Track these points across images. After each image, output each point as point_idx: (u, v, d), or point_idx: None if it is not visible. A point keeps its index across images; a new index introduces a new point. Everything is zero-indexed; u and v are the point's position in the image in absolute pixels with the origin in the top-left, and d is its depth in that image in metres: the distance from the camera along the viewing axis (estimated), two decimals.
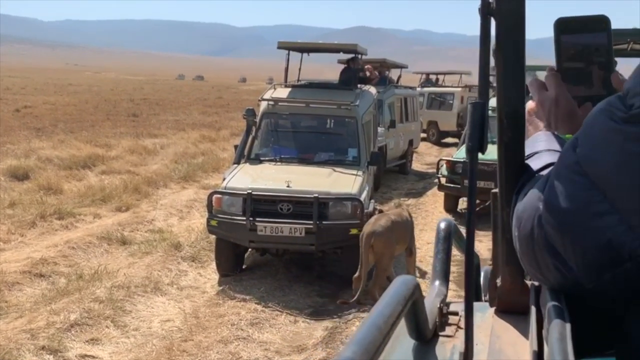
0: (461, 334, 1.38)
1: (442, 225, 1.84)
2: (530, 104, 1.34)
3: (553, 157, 1.16)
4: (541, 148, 1.26)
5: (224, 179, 8.69)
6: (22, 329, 6.41)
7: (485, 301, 1.63)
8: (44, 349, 6.02)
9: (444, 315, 1.44)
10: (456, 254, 2.17)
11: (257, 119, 9.73)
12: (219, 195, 8.09)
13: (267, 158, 9.44)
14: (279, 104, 9.96)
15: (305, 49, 12.93)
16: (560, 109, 1.27)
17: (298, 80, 12.37)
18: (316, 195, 7.78)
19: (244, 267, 8.70)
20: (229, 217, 7.93)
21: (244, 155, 9.38)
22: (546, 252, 1.02)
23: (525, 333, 1.30)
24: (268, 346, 6.46)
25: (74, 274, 8.14)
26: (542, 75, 1.31)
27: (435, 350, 1.34)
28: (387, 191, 14.60)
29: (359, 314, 7.30)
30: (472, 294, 1.12)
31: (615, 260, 0.92)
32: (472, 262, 1.13)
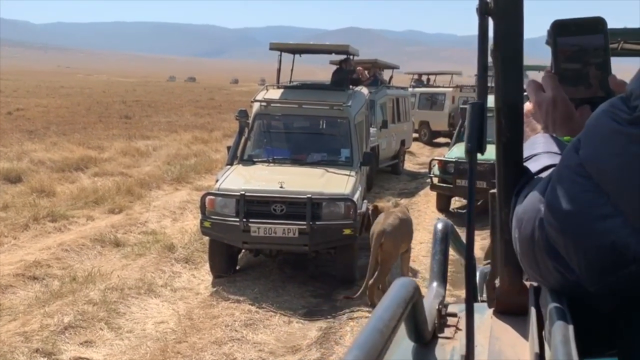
0: (460, 335, 1.38)
1: (439, 226, 1.83)
2: (527, 106, 1.33)
3: (552, 160, 1.16)
4: (539, 150, 1.25)
5: (217, 181, 8.70)
6: (16, 331, 6.40)
7: (482, 302, 1.62)
8: (37, 351, 6.01)
9: (442, 317, 1.44)
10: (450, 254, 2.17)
11: (250, 120, 9.73)
12: (212, 197, 8.09)
13: (260, 159, 9.45)
14: (272, 105, 9.96)
15: (298, 50, 12.94)
16: (558, 111, 1.27)
17: (290, 81, 12.39)
18: (309, 195, 7.79)
19: (237, 268, 8.70)
20: (222, 218, 7.94)
21: (237, 157, 9.39)
22: (547, 254, 1.01)
23: (524, 334, 1.29)
24: (262, 347, 6.47)
25: (67, 276, 8.13)
26: (532, 75, 1.30)
27: (435, 352, 1.33)
28: (380, 191, 14.61)
29: (352, 314, 7.32)
30: (472, 296, 1.12)
31: (619, 262, 0.91)
32: (472, 264, 1.12)
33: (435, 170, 12.39)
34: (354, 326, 6.98)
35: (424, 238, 10.05)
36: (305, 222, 7.74)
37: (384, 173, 16.56)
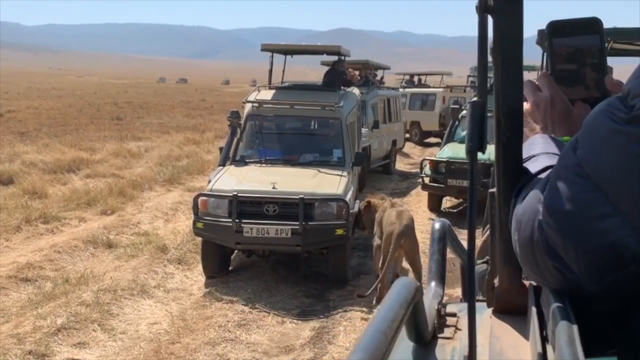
0: (460, 335, 1.38)
1: (437, 225, 1.82)
2: (525, 106, 1.32)
3: (551, 160, 1.16)
4: (538, 151, 1.24)
5: (209, 181, 8.70)
6: (9, 333, 6.39)
7: (479, 301, 1.64)
8: (30, 353, 6.00)
9: (442, 317, 1.43)
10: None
11: (242, 121, 9.74)
12: (204, 198, 8.09)
13: (252, 160, 9.45)
14: (264, 105, 9.98)
15: (289, 51, 12.95)
16: (556, 109, 1.28)
17: (282, 82, 12.40)
18: (302, 196, 7.80)
19: (230, 268, 8.70)
20: (215, 219, 7.94)
21: (229, 158, 9.39)
22: (547, 255, 1.01)
23: (524, 334, 1.28)
24: (256, 347, 6.47)
25: (60, 278, 8.11)
26: (524, 75, 1.30)
27: (435, 353, 1.32)
28: (372, 191, 14.62)
29: (345, 314, 7.33)
30: (474, 295, 1.11)
31: (618, 262, 0.90)
32: (473, 263, 1.10)
33: (427, 170, 12.42)
34: (347, 326, 7.00)
35: (417, 237, 10.03)
36: (297, 223, 7.75)
37: (376, 173, 16.58)
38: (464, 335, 1.35)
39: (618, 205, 0.89)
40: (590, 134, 0.95)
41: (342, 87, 11.65)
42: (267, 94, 10.45)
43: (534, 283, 1.23)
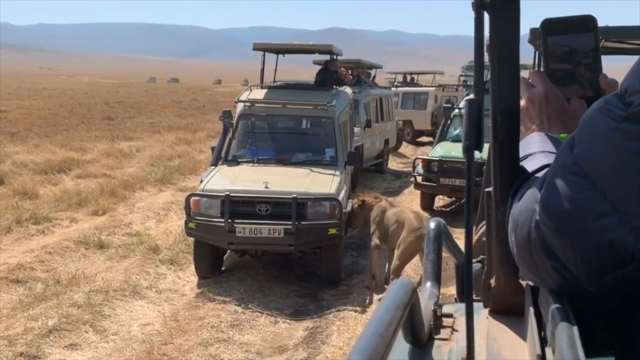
0: (456, 336, 1.36)
1: (432, 225, 1.79)
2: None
3: (548, 159, 1.14)
4: (535, 149, 1.22)
5: (201, 181, 8.67)
6: (0, 335, 6.35)
7: (474, 301, 1.62)
8: (22, 355, 5.97)
9: (438, 318, 1.41)
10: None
11: (234, 121, 9.71)
12: (196, 198, 8.06)
13: (244, 159, 9.43)
14: (256, 105, 9.95)
15: (281, 50, 12.94)
16: (551, 105, 1.26)
17: (274, 81, 12.39)
18: (294, 195, 7.79)
19: (223, 269, 8.68)
20: (207, 219, 7.91)
21: (221, 157, 9.36)
22: (544, 255, 0.99)
23: (522, 335, 1.26)
24: (249, 347, 6.46)
25: (51, 279, 8.07)
26: None
27: (432, 354, 1.30)
28: (363, 190, 14.64)
29: (339, 314, 7.33)
30: (471, 297, 1.09)
31: (617, 262, 0.89)
32: (470, 263, 1.08)
33: (419, 169, 12.44)
34: (341, 325, 6.99)
35: None
36: (290, 222, 7.73)
37: (368, 172, 16.60)
38: (460, 336, 1.34)
39: (616, 204, 0.88)
40: (587, 132, 0.94)
41: (335, 86, 11.64)
42: (259, 94, 10.43)
43: (530, 283, 1.21)
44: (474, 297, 1.56)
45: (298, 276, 8.66)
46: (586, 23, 1.23)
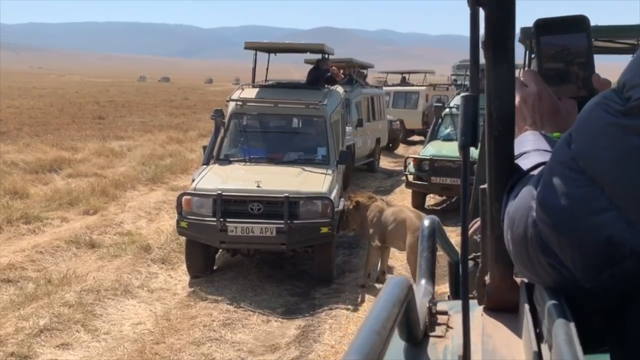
0: (451, 333, 1.36)
1: (426, 222, 1.79)
2: None
3: (542, 157, 1.14)
4: (529, 148, 1.21)
5: (193, 180, 8.66)
6: None
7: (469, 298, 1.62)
8: (13, 355, 5.95)
9: (432, 315, 1.40)
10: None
11: (226, 120, 9.71)
12: (188, 197, 8.05)
13: (236, 158, 9.42)
14: (248, 104, 9.94)
15: (273, 49, 12.94)
16: (544, 104, 1.26)
17: (266, 80, 12.38)
18: (286, 194, 7.79)
19: (214, 268, 8.67)
20: (199, 218, 7.90)
21: (213, 156, 9.35)
22: (541, 252, 0.98)
23: (517, 332, 1.26)
24: (241, 346, 6.46)
25: (42, 278, 8.04)
26: None
27: (427, 351, 1.29)
28: (356, 189, 14.66)
29: (331, 312, 7.34)
30: (467, 293, 1.09)
31: (615, 258, 0.88)
32: (466, 260, 1.07)
33: (411, 167, 12.47)
34: (333, 324, 7.00)
35: None
36: (282, 221, 7.74)
37: (360, 171, 16.62)
38: (455, 333, 1.34)
39: (614, 200, 0.88)
40: (585, 128, 0.93)
41: (326, 86, 11.65)
42: (250, 93, 10.42)
43: (525, 280, 1.22)
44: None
45: (290, 275, 8.67)
46: (579, 23, 1.23)
